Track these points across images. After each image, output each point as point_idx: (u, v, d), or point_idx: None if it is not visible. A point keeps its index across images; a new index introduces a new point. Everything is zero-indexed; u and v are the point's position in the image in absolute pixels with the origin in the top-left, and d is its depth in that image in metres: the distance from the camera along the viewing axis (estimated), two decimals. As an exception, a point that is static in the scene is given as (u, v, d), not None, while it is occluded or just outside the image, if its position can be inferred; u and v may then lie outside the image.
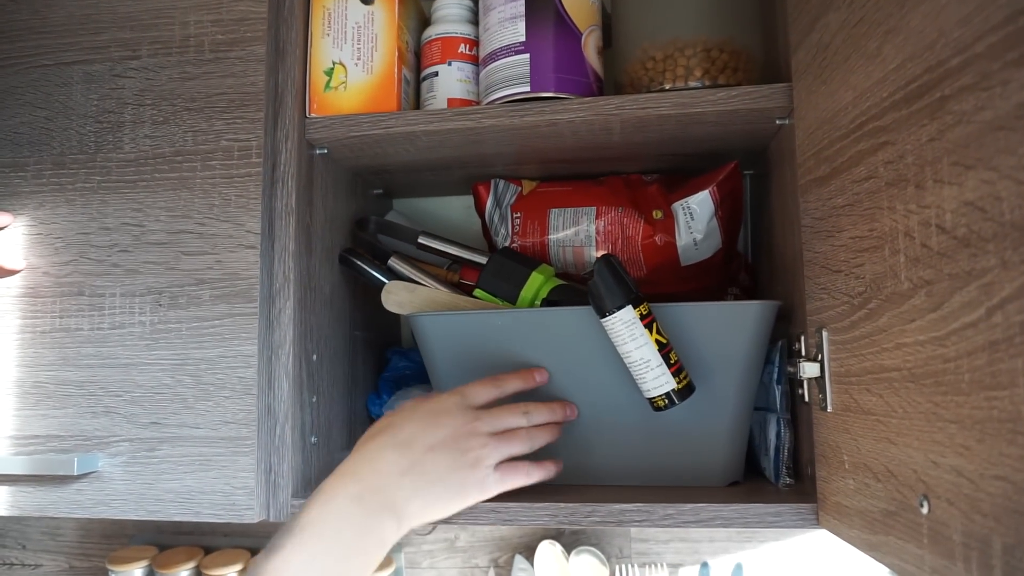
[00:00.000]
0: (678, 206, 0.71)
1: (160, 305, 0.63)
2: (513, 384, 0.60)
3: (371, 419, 0.81)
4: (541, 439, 0.58)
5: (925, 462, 0.39)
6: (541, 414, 0.59)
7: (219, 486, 0.60)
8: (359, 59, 0.68)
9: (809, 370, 0.55)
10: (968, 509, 0.35)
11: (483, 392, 0.58)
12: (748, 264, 0.80)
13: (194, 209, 0.63)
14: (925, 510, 0.38)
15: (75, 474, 0.60)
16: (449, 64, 0.71)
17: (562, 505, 0.58)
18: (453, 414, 0.55)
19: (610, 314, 0.57)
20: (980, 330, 0.33)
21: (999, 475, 0.32)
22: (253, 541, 0.92)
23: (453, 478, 0.53)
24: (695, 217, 0.70)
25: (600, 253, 0.72)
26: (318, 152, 0.69)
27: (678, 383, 0.57)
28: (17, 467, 0.61)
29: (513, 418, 0.57)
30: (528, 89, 0.65)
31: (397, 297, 0.71)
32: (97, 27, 0.67)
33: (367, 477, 0.51)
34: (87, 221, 0.65)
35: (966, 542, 0.35)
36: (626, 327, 0.57)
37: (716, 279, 0.75)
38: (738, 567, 0.84)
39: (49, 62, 0.67)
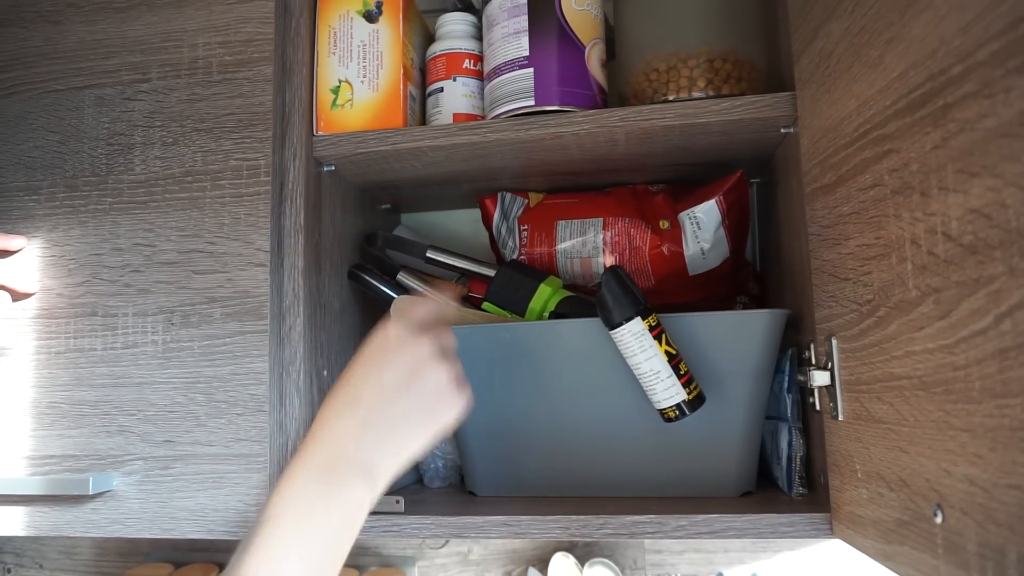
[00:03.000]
0: (685, 216, 0.71)
1: (172, 324, 0.63)
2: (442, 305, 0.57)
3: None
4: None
5: (938, 471, 0.38)
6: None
7: (232, 503, 0.60)
8: (365, 77, 0.69)
9: (819, 378, 0.54)
10: (982, 519, 0.34)
11: (420, 309, 0.54)
12: (756, 272, 0.80)
13: (204, 228, 0.64)
14: (939, 520, 0.38)
15: (90, 493, 0.60)
16: (454, 80, 0.71)
17: (574, 517, 0.58)
18: (399, 345, 0.51)
19: (619, 326, 0.57)
20: (989, 338, 0.33)
21: (1013, 484, 0.32)
22: (267, 557, 0.92)
23: (419, 412, 0.50)
24: (702, 226, 0.70)
25: (608, 264, 0.72)
26: (326, 169, 0.70)
27: (688, 394, 0.57)
28: (33, 487, 0.62)
29: (448, 337, 0.54)
30: (533, 103, 0.65)
31: None
32: (108, 52, 0.68)
33: (324, 448, 0.47)
34: (99, 242, 0.66)
35: (981, 552, 0.34)
36: (635, 339, 0.57)
37: (724, 288, 0.75)
38: (754, 577, 0.84)
39: (61, 87, 0.68)
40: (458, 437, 0.68)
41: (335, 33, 0.70)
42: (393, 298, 0.72)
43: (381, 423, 0.48)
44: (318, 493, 0.45)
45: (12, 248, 0.66)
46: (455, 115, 0.71)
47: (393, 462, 0.49)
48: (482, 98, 0.71)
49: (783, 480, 0.63)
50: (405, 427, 0.49)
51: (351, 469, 0.47)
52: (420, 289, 0.73)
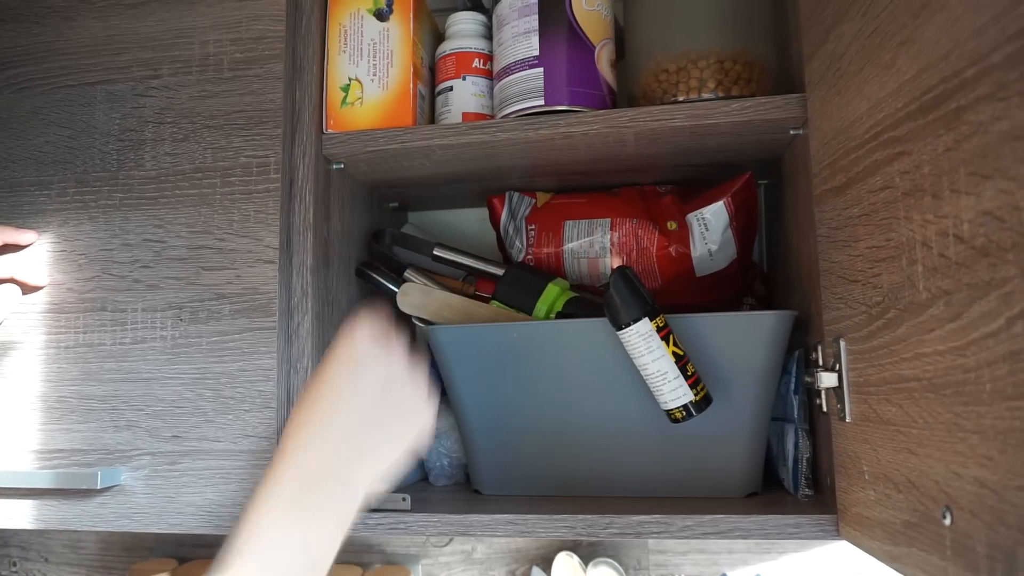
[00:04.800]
0: (692, 217, 0.71)
1: (181, 320, 0.63)
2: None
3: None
4: None
5: (947, 473, 0.38)
6: None
7: (240, 499, 0.61)
8: (375, 75, 0.69)
9: (827, 380, 0.54)
10: (992, 520, 0.34)
11: (378, 319, 0.51)
12: (763, 274, 0.80)
13: (214, 225, 0.64)
14: (948, 521, 0.38)
15: (98, 488, 0.60)
16: (464, 79, 0.72)
17: (580, 517, 0.58)
18: (374, 355, 0.49)
19: (626, 327, 0.57)
20: (1000, 340, 0.33)
21: (1023, 486, 0.32)
22: (271, 553, 0.92)
23: (396, 425, 0.49)
24: (710, 228, 0.70)
25: (615, 265, 0.72)
26: (335, 167, 0.70)
27: (695, 395, 0.57)
28: (42, 481, 0.62)
29: (409, 344, 0.52)
30: (542, 103, 0.65)
31: (412, 300, 0.71)
32: (120, 48, 0.68)
33: (297, 470, 0.45)
34: (109, 238, 0.66)
35: (990, 554, 0.34)
36: (643, 340, 0.57)
37: (731, 289, 0.75)
38: (757, 579, 0.84)
39: (73, 82, 0.69)
40: (464, 435, 0.68)
41: (345, 31, 0.70)
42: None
43: (359, 438, 0.46)
44: (294, 517, 0.43)
45: (23, 242, 0.66)
46: (464, 114, 0.71)
47: (371, 477, 0.47)
48: (492, 97, 0.71)
49: (789, 481, 0.63)
50: (383, 440, 0.48)
51: (328, 488, 0.45)
52: (427, 284, 0.73)
